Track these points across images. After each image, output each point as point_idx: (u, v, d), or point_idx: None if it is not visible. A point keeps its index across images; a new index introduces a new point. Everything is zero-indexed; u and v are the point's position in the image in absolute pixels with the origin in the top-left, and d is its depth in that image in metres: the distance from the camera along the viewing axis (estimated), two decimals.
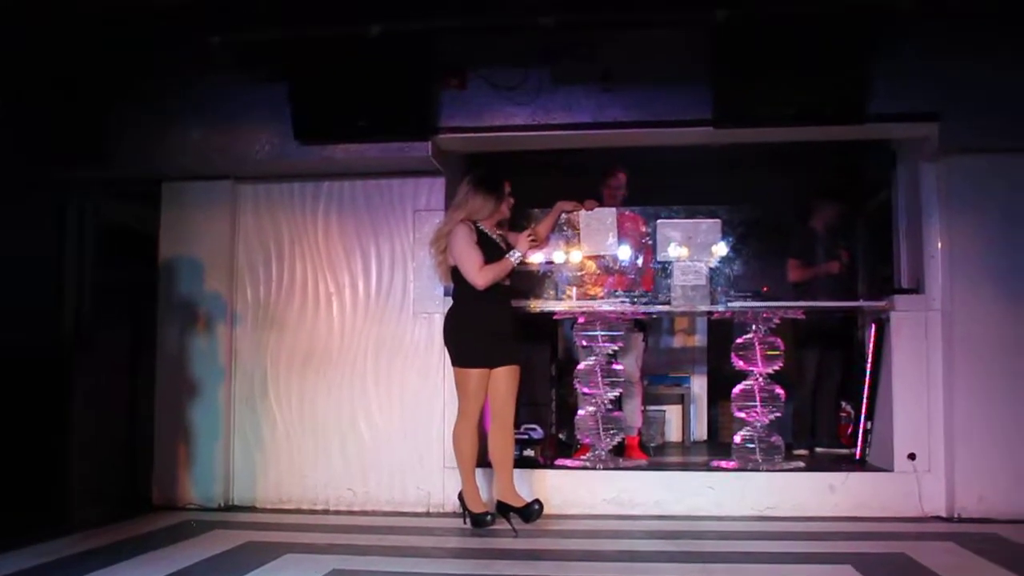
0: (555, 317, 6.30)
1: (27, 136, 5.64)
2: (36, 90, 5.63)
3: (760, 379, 5.90)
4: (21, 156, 5.68)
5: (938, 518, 5.49)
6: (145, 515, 5.70)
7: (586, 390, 6.00)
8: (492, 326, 5.19)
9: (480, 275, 5.11)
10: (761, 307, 5.93)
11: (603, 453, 5.93)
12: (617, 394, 6.05)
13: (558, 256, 6.37)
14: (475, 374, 5.16)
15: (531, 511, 5.15)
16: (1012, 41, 5.38)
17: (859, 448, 6.32)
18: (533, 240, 5.37)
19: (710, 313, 6.25)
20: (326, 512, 5.94)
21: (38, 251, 6.08)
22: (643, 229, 6.45)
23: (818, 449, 6.80)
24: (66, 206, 6.27)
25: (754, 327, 5.93)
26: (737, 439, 5.94)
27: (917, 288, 5.88)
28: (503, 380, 5.22)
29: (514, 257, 5.23)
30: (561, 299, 6.35)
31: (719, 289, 6.16)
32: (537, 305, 6.03)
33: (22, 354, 5.67)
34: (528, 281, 6.29)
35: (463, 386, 5.21)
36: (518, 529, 5.09)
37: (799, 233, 6.97)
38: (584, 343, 6.05)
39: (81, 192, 6.32)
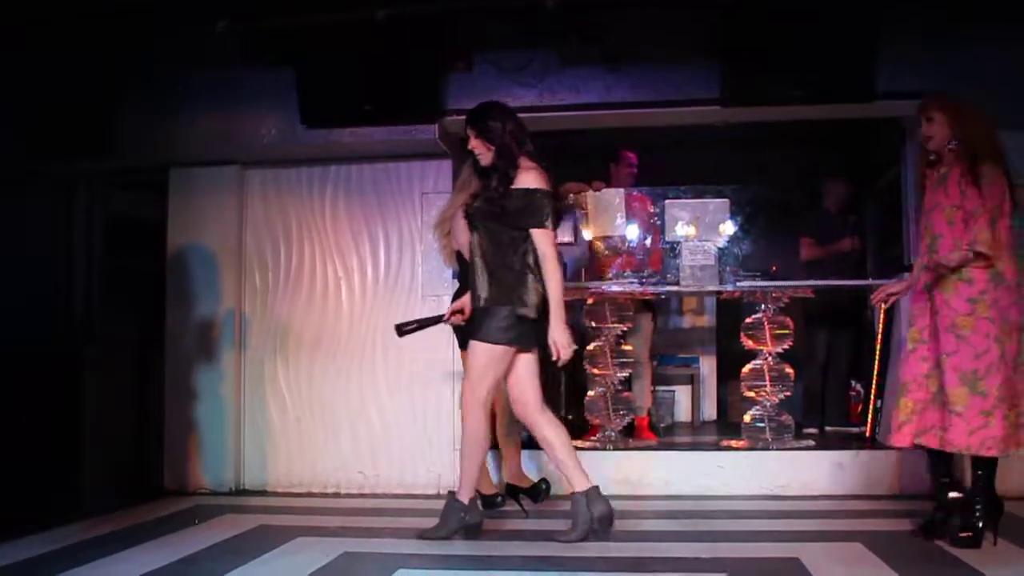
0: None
1: (31, 127, 5.64)
2: (40, 79, 5.63)
3: (770, 358, 5.90)
4: (25, 148, 5.68)
5: None
6: (157, 500, 5.73)
7: (595, 371, 6.00)
8: None
9: None
10: (770, 286, 5.93)
11: (613, 434, 5.94)
12: (626, 375, 6.06)
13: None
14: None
15: (539, 490, 5.14)
16: (1022, 16, 5.33)
17: (869, 426, 6.32)
18: None
19: (719, 293, 6.26)
20: (337, 495, 5.97)
21: (47, 243, 6.09)
22: (651, 209, 6.44)
23: (828, 428, 6.81)
24: (74, 197, 6.28)
25: (763, 306, 5.92)
26: (747, 418, 5.94)
27: None
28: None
29: None
30: (569, 280, 6.33)
31: (728, 269, 6.12)
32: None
33: (34, 346, 5.70)
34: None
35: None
36: (528, 510, 5.10)
37: (812, 214, 6.97)
38: (593, 324, 6.05)
39: (89, 183, 6.32)
